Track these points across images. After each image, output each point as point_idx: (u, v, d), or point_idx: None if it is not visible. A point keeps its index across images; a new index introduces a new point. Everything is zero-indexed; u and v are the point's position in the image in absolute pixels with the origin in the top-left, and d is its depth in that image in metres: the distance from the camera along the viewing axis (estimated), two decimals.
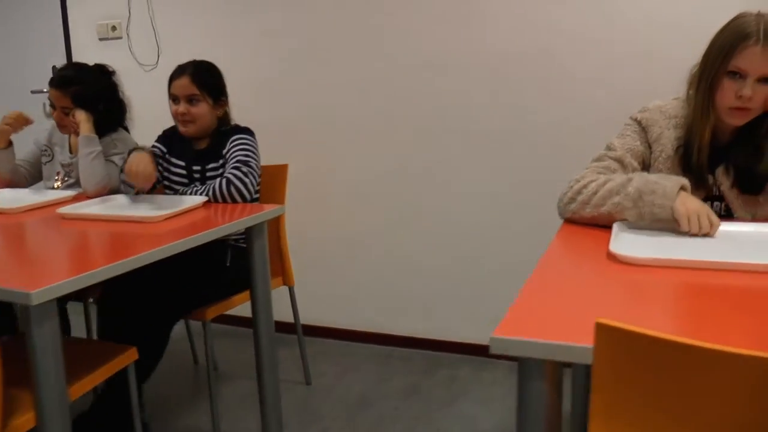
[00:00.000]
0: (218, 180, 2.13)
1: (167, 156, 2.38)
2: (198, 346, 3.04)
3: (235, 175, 2.13)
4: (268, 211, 2.02)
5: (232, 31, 3.09)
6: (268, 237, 2.51)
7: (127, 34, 3.36)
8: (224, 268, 2.25)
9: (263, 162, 2.51)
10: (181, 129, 2.28)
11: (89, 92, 2.41)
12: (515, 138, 2.66)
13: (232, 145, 2.25)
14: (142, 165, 2.06)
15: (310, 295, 3.17)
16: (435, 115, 2.77)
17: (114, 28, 3.38)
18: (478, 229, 2.78)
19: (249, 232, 2.02)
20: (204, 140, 2.34)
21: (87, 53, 3.51)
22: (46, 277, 1.36)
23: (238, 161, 2.18)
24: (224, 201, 2.12)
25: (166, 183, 2.37)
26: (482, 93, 2.67)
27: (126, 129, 2.60)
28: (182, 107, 2.24)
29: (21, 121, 2.44)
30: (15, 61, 3.74)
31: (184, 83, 2.24)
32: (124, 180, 2.24)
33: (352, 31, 2.85)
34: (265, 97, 3.07)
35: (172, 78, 2.27)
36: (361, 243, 3.01)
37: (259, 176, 2.25)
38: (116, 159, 2.43)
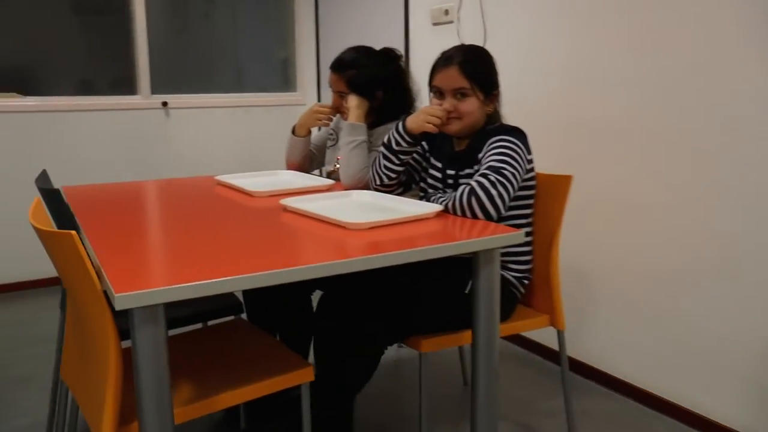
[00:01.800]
0: (461, 187, 1.72)
1: (427, 155, 2.05)
2: (468, 366, 2.69)
3: (480, 184, 1.69)
4: (503, 236, 1.54)
5: (561, 17, 2.59)
6: (536, 264, 2.03)
7: (458, 18, 3.12)
8: (462, 295, 1.83)
9: (544, 168, 2.01)
10: (445, 129, 1.91)
11: (366, 77, 2.22)
12: None
13: (490, 147, 1.81)
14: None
15: (595, 337, 2.54)
16: None
17: (446, 12, 3.18)
18: None
19: (475, 259, 1.57)
20: (465, 141, 1.94)
21: (420, 38, 3.40)
22: (155, 280, 1.16)
23: (489, 167, 1.73)
24: (463, 214, 1.70)
25: (422, 185, 2.05)
26: None
27: None
28: (448, 103, 1.87)
29: (332, 114, 2.39)
30: None
31: (452, 74, 1.86)
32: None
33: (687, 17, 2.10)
34: (584, 90, 2.50)
35: (436, 67, 1.91)
36: (671, 285, 2.25)
37: (517, 189, 1.76)
38: None
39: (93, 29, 3.78)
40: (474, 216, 1.69)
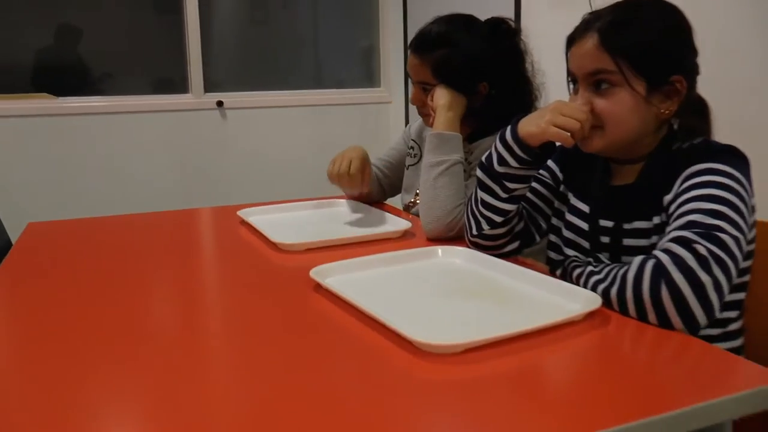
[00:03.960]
0: (637, 262, 0.92)
1: (562, 188, 1.24)
2: None
3: (677, 260, 0.88)
4: (752, 393, 0.73)
5: None
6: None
7: None
8: None
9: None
10: (580, 143, 1.11)
11: (462, 61, 1.44)
12: None
13: (688, 184, 0.99)
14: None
15: None
16: None
17: None
18: None
19: None
20: (632, 168, 1.11)
21: (536, 14, 2.60)
22: None
23: (690, 224, 0.92)
24: (640, 315, 0.90)
25: (552, 238, 1.24)
26: None
27: None
28: (581, 98, 1.07)
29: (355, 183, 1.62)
30: None
31: (586, 49, 1.05)
32: None
33: None
34: None
35: (572, 40, 1.10)
36: None
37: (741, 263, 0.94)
38: None
39: (143, 23, 3.21)
40: (662, 321, 0.89)
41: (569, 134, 1.07)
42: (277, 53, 3.52)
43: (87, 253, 1.36)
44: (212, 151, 3.26)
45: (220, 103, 3.21)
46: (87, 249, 1.39)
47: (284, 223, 1.53)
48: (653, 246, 1.00)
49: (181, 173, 3.22)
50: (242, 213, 1.56)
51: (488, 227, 1.20)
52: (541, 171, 1.26)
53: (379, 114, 3.68)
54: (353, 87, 3.65)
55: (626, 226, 1.07)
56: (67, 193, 3.02)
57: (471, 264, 1.16)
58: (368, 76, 3.73)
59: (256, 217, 1.56)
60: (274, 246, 1.32)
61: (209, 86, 3.24)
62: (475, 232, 1.23)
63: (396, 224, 1.45)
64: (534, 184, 1.25)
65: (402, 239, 1.39)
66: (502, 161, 1.15)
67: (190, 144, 3.22)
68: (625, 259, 1.06)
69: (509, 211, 1.19)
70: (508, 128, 1.15)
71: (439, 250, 1.22)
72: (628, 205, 1.08)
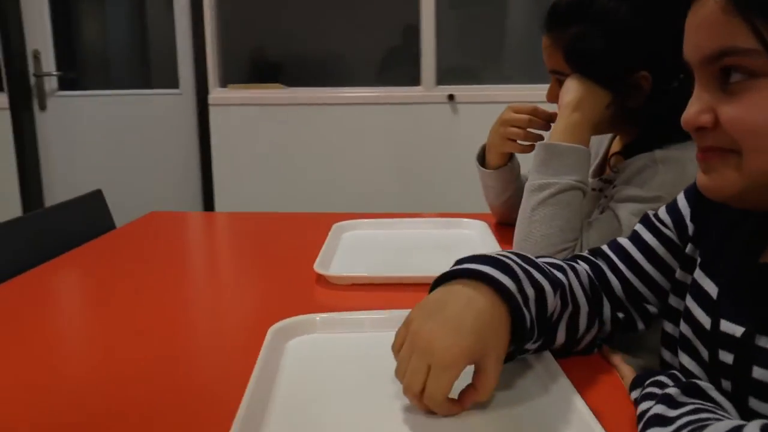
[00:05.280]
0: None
1: (689, 251, 0.74)
2: None
3: None
4: None
5: None
6: None
7: None
8: None
9: None
10: (699, 180, 0.62)
11: (604, 41, 0.99)
12: None
13: None
14: None
15: None
16: None
17: None
18: None
19: None
20: None
21: None
22: None
23: None
24: None
25: (667, 328, 0.74)
26: None
27: None
28: (696, 104, 0.58)
29: (538, 120, 1.24)
30: None
31: (707, 17, 0.55)
32: None
33: None
34: None
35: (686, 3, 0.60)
36: None
37: None
38: (629, 209, 0.96)
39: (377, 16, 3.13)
40: None
41: None
42: (523, 41, 3.15)
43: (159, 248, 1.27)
44: (439, 149, 3.03)
45: (451, 97, 2.97)
46: (164, 245, 1.30)
47: (374, 244, 1.26)
48: None
49: (404, 172, 3.06)
50: (337, 227, 1.32)
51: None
52: (660, 214, 0.77)
53: None
54: None
55: (763, 341, 0.57)
56: (283, 184, 3.09)
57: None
58: None
59: (352, 232, 1.31)
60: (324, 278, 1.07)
61: (442, 78, 3.02)
62: None
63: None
64: (645, 236, 0.77)
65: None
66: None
67: (416, 140, 3.04)
68: (753, 405, 0.57)
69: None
70: None
71: None
72: None
